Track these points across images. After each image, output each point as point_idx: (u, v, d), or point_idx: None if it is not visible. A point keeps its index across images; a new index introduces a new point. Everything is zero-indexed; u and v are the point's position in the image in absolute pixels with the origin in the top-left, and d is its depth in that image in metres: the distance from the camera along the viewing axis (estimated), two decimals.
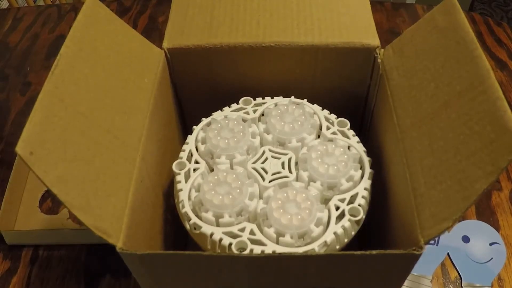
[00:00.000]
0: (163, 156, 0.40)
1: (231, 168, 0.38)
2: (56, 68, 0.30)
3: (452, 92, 0.31)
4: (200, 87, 0.45)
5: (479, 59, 0.30)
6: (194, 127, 0.40)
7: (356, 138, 0.39)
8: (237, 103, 0.42)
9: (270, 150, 0.39)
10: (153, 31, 0.76)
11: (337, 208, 0.35)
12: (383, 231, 0.38)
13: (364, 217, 0.35)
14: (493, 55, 0.70)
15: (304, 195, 0.34)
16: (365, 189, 0.36)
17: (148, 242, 0.35)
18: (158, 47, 0.41)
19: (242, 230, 0.33)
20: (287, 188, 0.35)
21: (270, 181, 0.37)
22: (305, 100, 0.42)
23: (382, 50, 0.40)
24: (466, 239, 0.49)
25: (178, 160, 0.38)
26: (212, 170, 0.38)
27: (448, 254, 0.48)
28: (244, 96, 0.42)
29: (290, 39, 0.40)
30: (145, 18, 0.79)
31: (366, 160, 0.38)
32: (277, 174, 0.37)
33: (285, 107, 0.40)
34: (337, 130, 0.40)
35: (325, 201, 0.36)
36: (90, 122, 0.31)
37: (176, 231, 0.42)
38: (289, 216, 0.33)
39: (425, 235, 0.28)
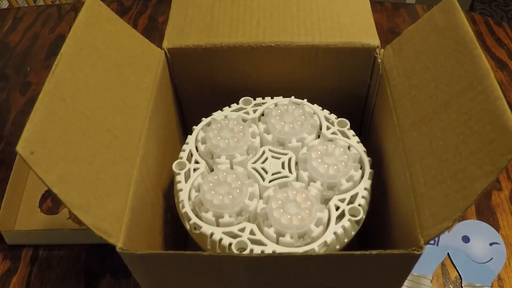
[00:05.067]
0: (163, 156, 0.40)
1: (231, 168, 0.38)
2: (56, 68, 0.30)
3: (451, 91, 0.31)
4: (200, 87, 0.45)
5: (478, 59, 0.30)
6: (194, 127, 0.40)
7: (356, 138, 0.39)
8: (237, 103, 0.42)
9: (270, 150, 0.39)
10: (153, 31, 0.76)
11: (337, 208, 0.35)
12: (383, 231, 0.38)
13: (364, 217, 0.35)
14: (493, 55, 0.70)
15: (304, 195, 0.34)
16: (365, 189, 0.36)
17: (148, 242, 0.35)
18: (158, 47, 0.41)
19: (242, 230, 0.33)
20: (287, 188, 0.35)
21: (270, 181, 0.37)
22: (305, 100, 0.42)
23: (382, 50, 0.40)
24: (466, 239, 0.49)
25: (178, 160, 0.38)
26: (212, 170, 0.38)
27: (448, 254, 0.48)
28: (244, 96, 0.42)
29: (290, 39, 0.40)
30: (145, 18, 0.79)
31: (366, 160, 0.38)
32: (277, 174, 0.37)
33: (285, 107, 0.40)
34: (337, 130, 0.40)
35: (325, 201, 0.36)
36: (91, 121, 0.31)
37: (176, 231, 0.42)
38: (289, 216, 0.33)
39: (425, 235, 0.28)
